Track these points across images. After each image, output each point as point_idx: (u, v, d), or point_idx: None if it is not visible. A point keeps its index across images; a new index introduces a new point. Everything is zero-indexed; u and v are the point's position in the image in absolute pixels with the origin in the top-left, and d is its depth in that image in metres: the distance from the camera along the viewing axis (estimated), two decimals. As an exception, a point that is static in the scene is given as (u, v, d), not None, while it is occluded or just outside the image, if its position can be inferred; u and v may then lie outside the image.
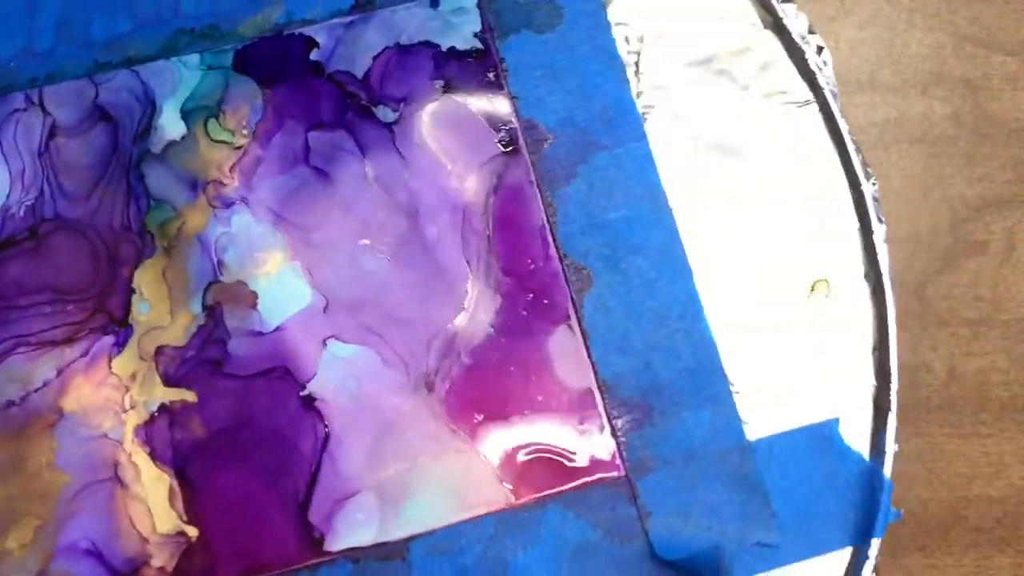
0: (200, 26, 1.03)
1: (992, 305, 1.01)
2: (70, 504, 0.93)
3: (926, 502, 0.99)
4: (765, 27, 1.03)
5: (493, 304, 0.99)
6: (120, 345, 0.98)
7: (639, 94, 1.03)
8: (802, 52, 1.02)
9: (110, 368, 0.97)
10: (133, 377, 0.97)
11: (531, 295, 0.99)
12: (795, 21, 1.02)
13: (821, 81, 1.01)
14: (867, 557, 0.91)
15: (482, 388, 0.98)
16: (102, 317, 0.98)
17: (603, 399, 0.97)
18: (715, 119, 1.03)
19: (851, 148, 0.99)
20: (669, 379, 0.96)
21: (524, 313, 0.99)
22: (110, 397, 0.96)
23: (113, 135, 1.01)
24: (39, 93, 1.02)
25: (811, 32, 1.01)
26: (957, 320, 1.00)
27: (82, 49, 1.03)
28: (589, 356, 0.98)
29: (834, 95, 1.00)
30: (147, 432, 0.95)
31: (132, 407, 0.96)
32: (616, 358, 0.98)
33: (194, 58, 1.03)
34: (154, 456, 0.95)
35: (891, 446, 0.93)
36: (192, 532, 0.93)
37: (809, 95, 1.02)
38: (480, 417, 0.97)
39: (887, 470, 0.92)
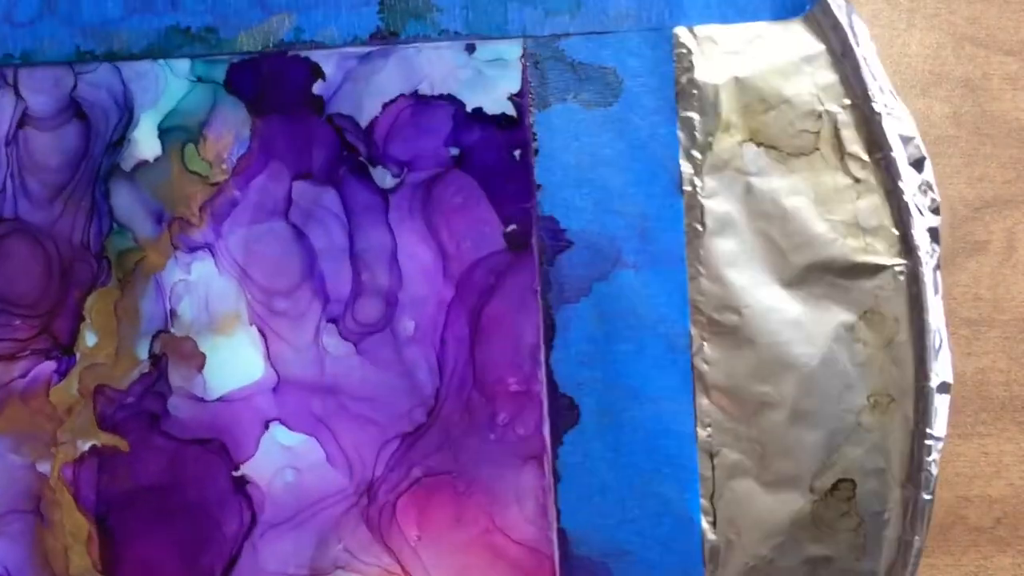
0: (197, 27, 0.85)
1: (992, 305, 0.92)
2: (-11, 529, 0.86)
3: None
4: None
5: (461, 421, 0.84)
6: (61, 374, 0.86)
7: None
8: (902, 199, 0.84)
9: (48, 396, 0.86)
10: (69, 411, 0.86)
11: (506, 419, 0.84)
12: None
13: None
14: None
15: (428, 510, 0.84)
16: (47, 339, 0.86)
17: (560, 551, 0.83)
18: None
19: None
20: (639, 546, 0.82)
21: (492, 438, 0.84)
22: (43, 427, 0.86)
23: (85, 138, 0.86)
24: (15, 72, 0.86)
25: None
26: (957, 320, 0.91)
27: (65, 28, 0.86)
28: (555, 501, 0.83)
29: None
30: (75, 472, 0.85)
31: (63, 442, 0.85)
32: (585, 510, 0.82)
33: (184, 65, 0.86)
34: (77, 498, 0.85)
35: None
36: None
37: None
38: (419, 539, 0.85)
39: None
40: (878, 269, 0.83)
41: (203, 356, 0.85)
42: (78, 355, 0.85)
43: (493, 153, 0.83)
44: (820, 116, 0.82)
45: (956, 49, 0.91)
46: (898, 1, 0.90)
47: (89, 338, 0.85)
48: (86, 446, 0.85)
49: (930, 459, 0.82)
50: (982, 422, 0.91)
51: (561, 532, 0.82)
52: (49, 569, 0.85)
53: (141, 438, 0.85)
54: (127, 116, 0.86)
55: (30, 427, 0.85)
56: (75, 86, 0.86)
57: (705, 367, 0.82)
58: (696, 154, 0.82)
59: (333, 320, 0.85)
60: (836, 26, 0.81)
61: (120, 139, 0.86)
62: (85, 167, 0.86)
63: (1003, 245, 0.91)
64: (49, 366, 0.85)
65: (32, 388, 0.86)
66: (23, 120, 0.86)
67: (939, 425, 0.82)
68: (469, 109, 0.83)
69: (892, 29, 0.91)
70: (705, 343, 0.82)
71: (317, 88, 0.85)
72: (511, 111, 0.83)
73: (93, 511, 0.85)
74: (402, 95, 0.84)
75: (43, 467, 0.85)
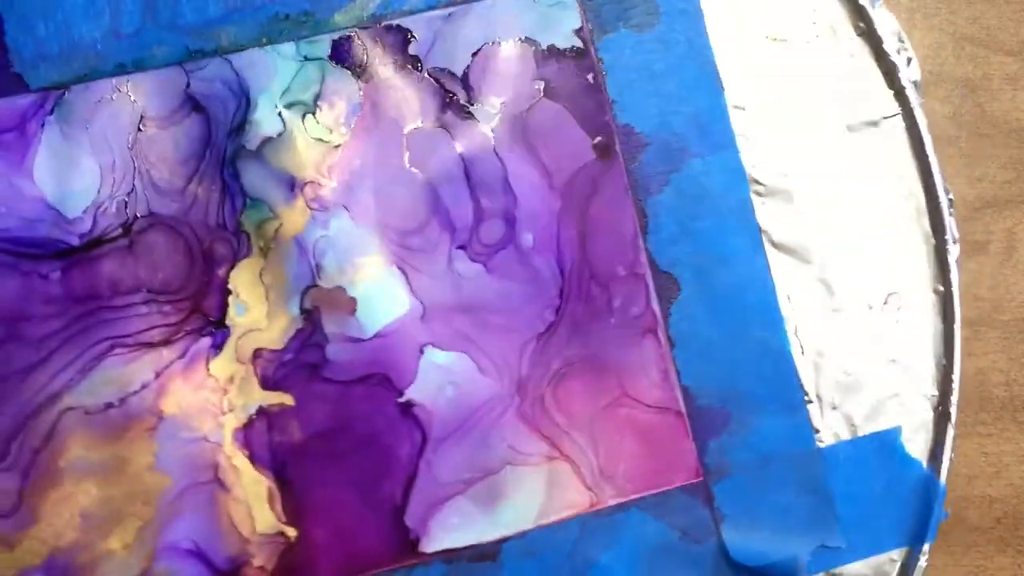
0: (295, 12, 0.55)
1: (992, 305, 0.61)
2: (172, 505, 0.53)
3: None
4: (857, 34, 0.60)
5: (584, 313, 0.56)
6: (218, 347, 0.54)
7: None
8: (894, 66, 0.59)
9: (208, 370, 0.54)
10: (231, 380, 0.54)
11: (620, 302, 0.56)
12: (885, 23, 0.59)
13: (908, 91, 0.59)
14: (918, 557, 0.58)
15: (571, 396, 0.56)
16: (198, 318, 0.54)
17: (686, 406, 0.56)
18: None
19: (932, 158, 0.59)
20: (748, 387, 0.56)
21: (613, 321, 0.57)
22: (209, 400, 0.53)
23: (206, 128, 0.54)
24: (127, 81, 0.54)
25: (901, 40, 0.59)
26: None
27: (171, 33, 0.54)
28: (674, 364, 0.56)
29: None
30: (246, 435, 0.54)
31: (231, 410, 0.53)
32: (699, 366, 0.56)
33: (289, 47, 0.55)
34: (253, 459, 0.54)
35: (948, 454, 0.58)
36: (291, 533, 0.53)
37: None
38: (568, 423, 0.56)
39: (942, 477, 0.57)
40: (882, 120, 0.60)
41: (354, 300, 0.55)
42: (231, 326, 0.54)
43: (571, 80, 0.57)
44: (816, 8, 0.60)
45: (956, 49, 0.62)
46: (898, 1, 0.61)
47: (239, 309, 0.54)
48: (253, 409, 0.54)
49: (951, 260, 0.60)
50: (982, 422, 0.62)
51: (684, 389, 0.56)
52: (236, 532, 0.53)
53: (306, 389, 0.54)
54: (245, 101, 0.54)
55: (197, 403, 0.53)
56: (188, 83, 0.54)
57: (769, 225, 0.58)
58: (727, 55, 0.59)
59: (462, 246, 0.56)
60: None
61: (241, 123, 0.54)
62: (210, 154, 0.54)
63: (1003, 245, 0.62)
64: (205, 342, 0.53)
65: (192, 366, 0.54)
66: (142, 123, 0.54)
67: (952, 231, 0.60)
68: (544, 47, 0.57)
69: (892, 29, 0.59)
70: (765, 205, 0.58)
71: (412, 49, 0.56)
72: (578, 43, 0.57)
73: (270, 468, 0.54)
74: (486, 43, 0.56)
75: (215, 437, 0.54)
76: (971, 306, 0.60)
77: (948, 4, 0.62)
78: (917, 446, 0.57)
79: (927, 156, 0.57)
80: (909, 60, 0.57)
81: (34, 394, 0.51)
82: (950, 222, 0.57)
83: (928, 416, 0.57)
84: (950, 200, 0.57)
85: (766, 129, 0.57)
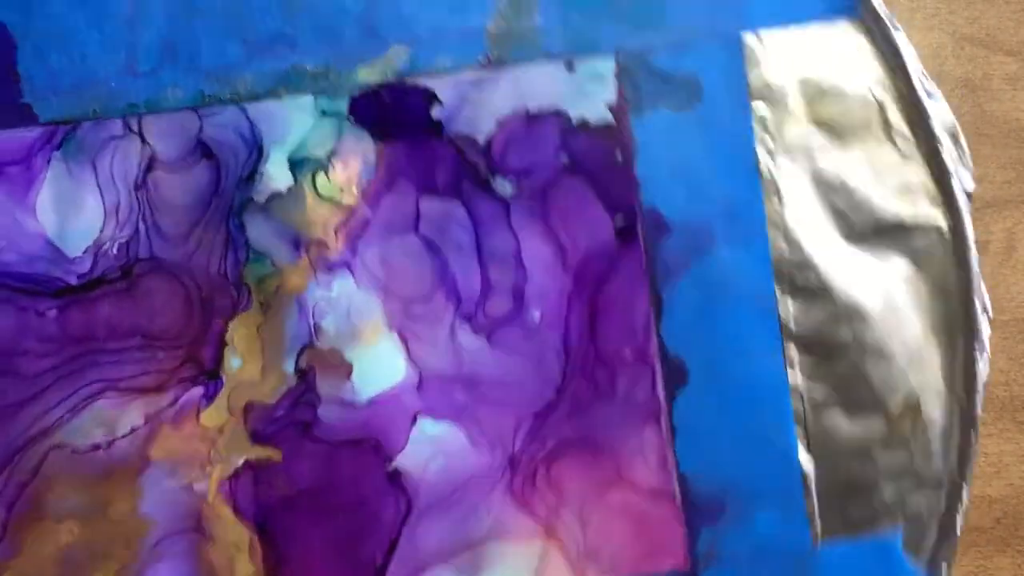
0: (315, 64, 0.53)
1: (992, 305, 0.59)
2: (153, 551, 0.53)
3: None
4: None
5: (586, 393, 0.55)
6: (209, 397, 0.53)
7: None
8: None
9: (198, 419, 0.53)
10: (221, 431, 0.53)
11: (625, 387, 0.55)
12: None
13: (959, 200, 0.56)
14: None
15: (564, 475, 0.55)
16: (193, 367, 0.53)
17: (682, 492, 0.55)
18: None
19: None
20: (748, 479, 0.55)
21: (616, 405, 0.55)
22: (197, 449, 0.53)
23: (215, 175, 0.53)
24: (138, 121, 0.53)
25: (959, 145, 0.56)
26: None
27: (187, 75, 0.53)
28: (673, 451, 0.55)
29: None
30: (231, 486, 0.53)
31: (218, 461, 0.53)
32: (700, 455, 0.55)
33: (307, 100, 0.53)
34: (237, 510, 0.53)
35: (946, 571, 0.56)
36: None
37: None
38: (558, 501, 0.55)
39: None
40: (926, 225, 0.57)
41: (350, 365, 0.53)
42: (224, 378, 0.53)
43: (598, 158, 0.54)
44: (870, 102, 0.56)
45: (956, 49, 0.60)
46: (898, 1, 0.59)
47: (234, 361, 0.53)
48: (240, 461, 0.53)
49: (979, 370, 0.57)
50: (982, 422, 0.59)
51: (681, 476, 0.55)
52: None
53: (294, 446, 0.53)
54: (256, 152, 0.53)
55: (184, 451, 0.53)
56: (201, 128, 0.53)
57: (790, 321, 0.56)
58: (769, 142, 0.55)
59: (467, 318, 0.54)
60: (880, 24, 0.57)
61: (251, 173, 0.53)
62: (217, 203, 0.53)
63: (1003, 245, 0.61)
64: (197, 391, 0.53)
65: (183, 414, 0.53)
66: (151, 165, 0.53)
67: (985, 342, 0.57)
68: (574, 121, 0.54)
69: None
70: (789, 299, 0.56)
71: (435, 113, 0.54)
72: (611, 119, 0.55)
73: (253, 520, 0.53)
74: (513, 112, 0.54)
75: (200, 487, 0.53)
76: None
77: (948, 4, 0.60)
78: (916, 552, 0.56)
79: (970, 268, 0.55)
80: (968, 168, 0.55)
81: (25, 428, 0.51)
82: (984, 339, 0.55)
83: (932, 527, 0.56)
84: (989, 318, 0.55)
85: (799, 220, 0.55)
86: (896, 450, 0.56)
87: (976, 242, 0.57)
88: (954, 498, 0.56)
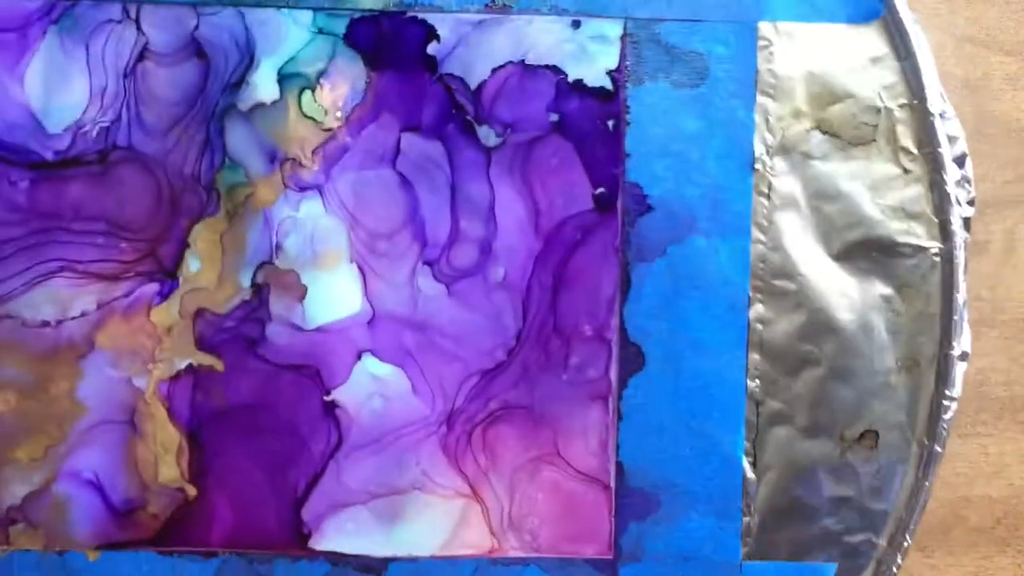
0: None
1: (992, 305, 0.59)
2: (83, 435, 0.53)
3: (926, 502, 0.57)
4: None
5: (537, 361, 0.54)
6: (163, 296, 0.53)
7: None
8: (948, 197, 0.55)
9: (149, 316, 0.53)
10: (169, 331, 0.53)
11: (578, 361, 0.54)
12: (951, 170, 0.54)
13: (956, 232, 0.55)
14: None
15: (501, 440, 0.54)
16: (152, 263, 0.53)
17: (617, 482, 0.54)
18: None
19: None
20: (686, 481, 0.54)
21: (565, 378, 0.54)
22: (142, 344, 0.53)
23: (203, 76, 0.53)
24: (137, 8, 0.52)
25: (963, 170, 0.55)
26: None
27: None
28: (616, 437, 0.54)
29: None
30: (170, 388, 0.53)
31: (161, 360, 0.53)
32: (642, 446, 0.54)
33: (306, 15, 0.53)
34: (171, 412, 0.53)
35: None
36: (191, 491, 0.54)
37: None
38: (490, 465, 0.54)
39: None
40: (917, 250, 0.55)
41: (304, 288, 0.53)
42: (181, 279, 0.53)
43: (589, 122, 0.53)
44: (880, 112, 0.54)
45: (956, 49, 0.58)
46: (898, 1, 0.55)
47: (193, 264, 0.53)
48: (183, 364, 0.53)
49: (946, 417, 0.54)
50: (982, 422, 0.59)
51: (619, 465, 0.53)
52: (138, 477, 0.53)
53: (237, 360, 0.53)
54: (248, 59, 0.53)
55: (130, 344, 0.53)
56: (197, 26, 0.52)
57: (759, 325, 0.54)
58: (768, 136, 0.54)
59: (429, 263, 0.53)
60: (903, 33, 0.54)
61: (239, 81, 0.53)
62: (201, 104, 0.52)
63: (1003, 245, 0.59)
64: (152, 288, 0.53)
65: (134, 307, 0.53)
66: (143, 54, 0.52)
67: (956, 389, 0.54)
68: (571, 79, 0.53)
69: (892, 29, 0.56)
70: (761, 304, 0.54)
71: (431, 48, 0.53)
72: (608, 85, 0.53)
73: (185, 425, 0.53)
74: (510, 62, 0.53)
75: (139, 382, 0.53)
76: (971, 306, 0.57)
77: (948, 4, 0.58)
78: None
79: (954, 302, 0.54)
80: (968, 195, 0.53)
81: (-23, 293, 0.49)
82: (957, 376, 0.54)
83: (868, 564, 0.54)
84: (964, 353, 0.54)
85: (787, 224, 0.53)
86: (844, 480, 0.54)
87: (976, 242, 0.56)
88: (897, 540, 0.54)
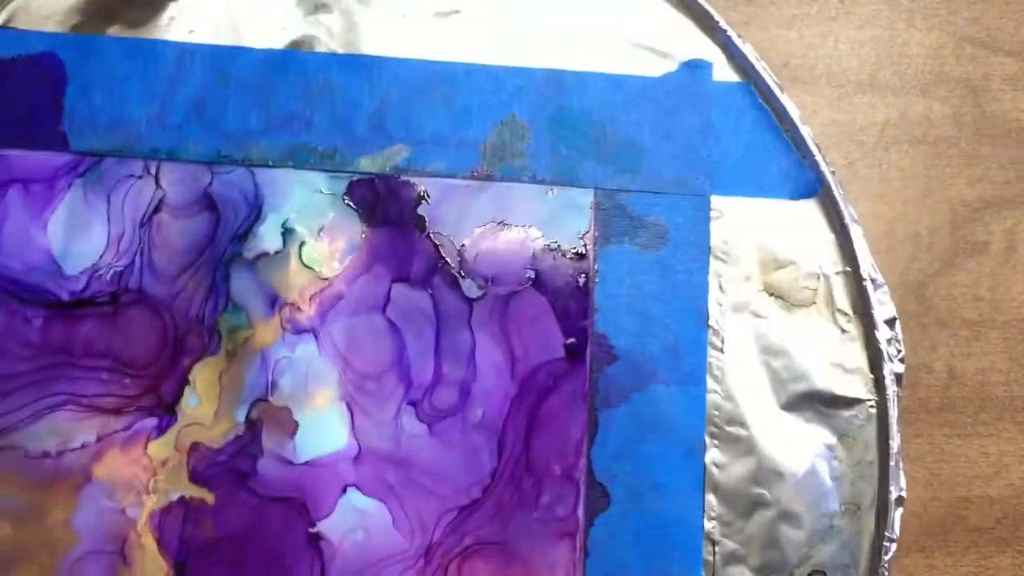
0: (325, 146, 0.59)
1: (992, 305, 0.62)
2: (74, 565, 0.55)
3: (926, 502, 0.61)
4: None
5: (511, 499, 0.58)
6: (161, 430, 0.56)
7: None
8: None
9: (146, 449, 0.56)
10: (164, 463, 0.56)
11: (548, 500, 0.58)
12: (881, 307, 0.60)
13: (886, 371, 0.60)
14: None
15: (475, 574, 0.57)
16: (152, 398, 0.57)
17: None
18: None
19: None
20: None
21: (535, 516, 0.58)
22: (138, 476, 0.56)
23: (214, 227, 0.58)
24: (157, 165, 0.58)
25: (894, 332, 0.60)
26: (957, 320, 0.63)
27: (209, 134, 0.58)
28: (583, 573, 0.57)
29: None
30: (161, 519, 0.56)
31: (154, 491, 0.56)
32: None
33: (310, 176, 0.59)
34: (161, 543, 0.55)
35: None
36: None
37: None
38: None
39: None
40: (855, 402, 0.60)
41: (296, 424, 0.57)
42: (179, 415, 0.56)
43: (562, 278, 0.59)
44: (819, 277, 0.60)
45: (956, 49, 0.63)
46: (898, 1, 0.63)
47: (192, 400, 0.56)
48: (175, 496, 0.56)
49: (887, 557, 0.58)
50: (982, 422, 0.62)
51: (585, 601, 0.52)
52: None
53: (228, 492, 0.56)
54: (255, 213, 0.58)
55: (126, 475, 0.56)
56: (211, 183, 0.58)
57: (715, 469, 0.58)
58: (721, 296, 0.60)
59: (413, 403, 0.58)
60: (837, 209, 0.61)
61: (246, 232, 0.58)
62: (210, 252, 0.58)
63: (1003, 245, 0.63)
64: (151, 422, 0.56)
65: (133, 440, 0.56)
66: (159, 206, 0.58)
67: (896, 530, 0.59)
68: (546, 241, 0.59)
69: (892, 29, 0.64)
70: (716, 449, 0.58)
71: (421, 209, 0.59)
72: (580, 247, 0.59)
73: (174, 556, 0.55)
74: (492, 222, 0.59)
75: (132, 512, 0.56)
76: (971, 306, 0.61)
77: (948, 4, 0.62)
78: None
79: (888, 452, 0.58)
80: (899, 353, 0.58)
81: (-16, 423, 0.51)
82: (895, 519, 0.58)
83: None
84: (900, 497, 0.58)
85: (738, 375, 0.58)
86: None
87: (976, 242, 0.61)
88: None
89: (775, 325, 0.59)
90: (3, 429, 0.55)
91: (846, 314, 0.60)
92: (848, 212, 0.59)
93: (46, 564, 0.54)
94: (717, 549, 0.57)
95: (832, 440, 0.59)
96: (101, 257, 0.56)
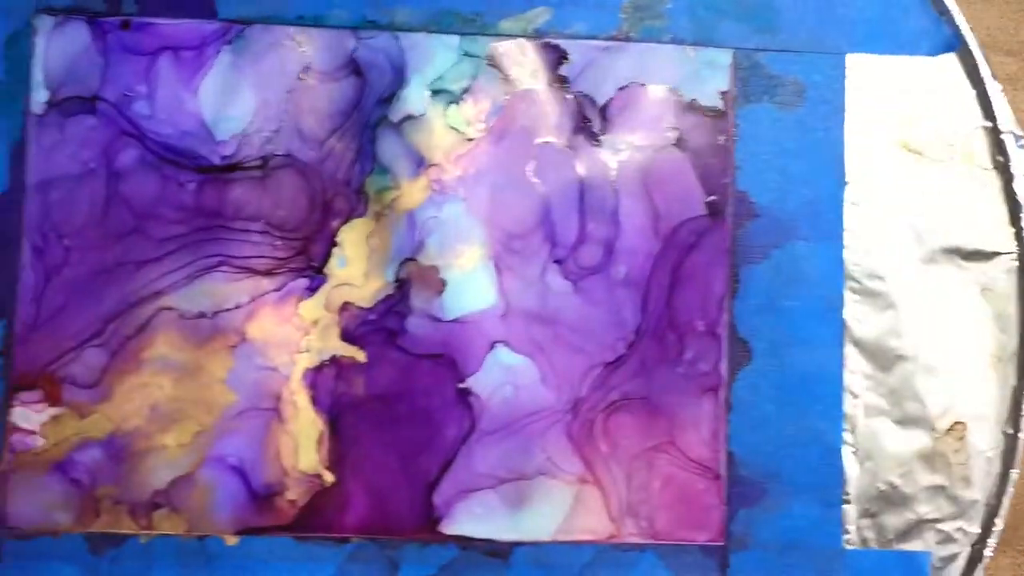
0: (467, 10, 0.59)
1: None
2: (230, 422, 0.56)
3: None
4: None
5: (654, 355, 0.58)
6: (312, 290, 0.57)
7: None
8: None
9: (297, 309, 0.57)
10: (315, 323, 0.57)
11: (691, 355, 0.58)
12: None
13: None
14: None
15: (620, 429, 0.58)
16: (302, 260, 0.57)
17: (727, 470, 0.58)
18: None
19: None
20: (791, 470, 0.57)
21: (679, 371, 0.58)
22: (290, 336, 0.57)
23: (359, 92, 0.58)
24: (303, 31, 0.58)
25: None
26: None
27: (354, 0, 0.59)
28: (726, 427, 0.58)
29: None
30: (314, 377, 0.57)
31: (307, 350, 0.57)
32: (750, 436, 0.57)
33: (453, 40, 0.58)
34: (314, 400, 0.57)
35: None
36: (328, 478, 0.57)
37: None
38: (610, 453, 0.58)
39: None
40: (995, 254, 0.60)
41: (443, 282, 0.57)
42: (329, 275, 0.57)
43: (702, 137, 0.59)
44: (958, 133, 0.60)
45: None
46: None
47: (340, 261, 0.57)
48: (327, 355, 0.57)
49: None
50: None
51: (729, 454, 0.57)
52: (279, 464, 0.56)
53: (378, 351, 0.57)
54: (400, 77, 0.58)
55: (278, 335, 0.57)
56: (355, 48, 0.58)
57: (855, 323, 0.59)
58: (859, 153, 0.60)
59: (558, 261, 0.58)
60: (975, 64, 0.61)
61: (391, 96, 0.58)
62: (356, 116, 0.58)
63: None
64: (302, 282, 0.57)
65: (284, 300, 0.57)
66: (305, 72, 0.58)
67: None
68: (686, 100, 0.59)
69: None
70: (856, 303, 0.59)
71: (563, 70, 0.59)
72: (720, 105, 0.59)
73: (326, 414, 0.57)
74: (633, 82, 0.59)
75: (286, 371, 0.57)
76: None
77: None
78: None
79: None
80: None
81: (141, 286, 0.56)
82: None
83: (963, 552, 0.57)
84: None
85: (876, 231, 0.58)
86: (937, 469, 0.58)
87: None
88: (987, 526, 0.57)
89: (914, 181, 0.59)
90: (160, 291, 0.56)
91: (986, 168, 0.59)
92: (984, 66, 0.58)
93: (204, 420, 0.56)
94: (858, 402, 0.58)
95: (972, 293, 0.58)
96: (250, 122, 0.57)
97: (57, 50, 0.56)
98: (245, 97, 0.57)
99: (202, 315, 0.56)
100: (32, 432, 0.55)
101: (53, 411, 0.55)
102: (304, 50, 0.57)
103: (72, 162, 0.56)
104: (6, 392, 0.54)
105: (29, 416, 0.55)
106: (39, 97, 0.56)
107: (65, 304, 0.55)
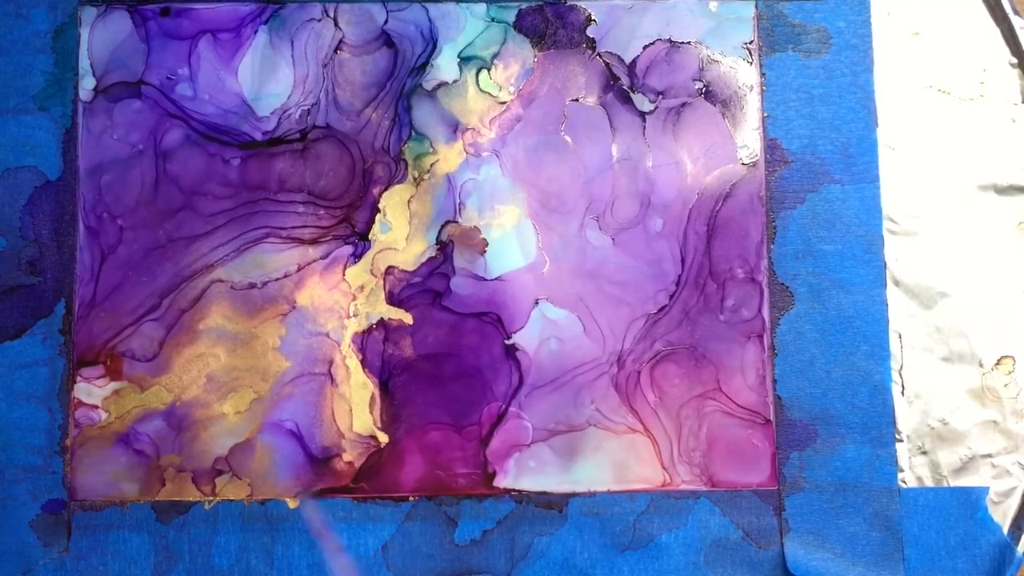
0: None
1: None
2: (285, 388, 0.57)
3: None
4: None
5: (696, 304, 0.57)
6: (357, 257, 0.57)
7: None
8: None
9: (344, 275, 0.57)
10: (362, 288, 0.57)
11: (733, 303, 0.57)
12: None
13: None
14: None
15: (667, 378, 0.57)
16: (346, 227, 0.58)
17: (775, 414, 0.56)
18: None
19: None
20: (841, 411, 0.56)
21: (722, 318, 0.57)
22: (338, 302, 0.57)
23: (392, 63, 0.58)
24: (335, 8, 0.58)
25: None
26: None
27: None
28: (772, 372, 0.56)
29: None
30: (363, 341, 0.57)
31: (355, 315, 0.57)
32: (797, 380, 0.56)
33: (481, 8, 0.59)
34: (365, 363, 0.57)
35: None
36: (383, 438, 0.57)
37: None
38: (658, 402, 0.57)
39: (1021, 546, 0.55)
40: (1030, 189, 0.54)
41: (485, 242, 0.57)
42: (372, 241, 0.57)
43: (730, 88, 0.58)
44: (985, 70, 0.59)
45: None
46: None
47: (383, 227, 0.57)
48: (375, 319, 0.57)
49: None
50: None
51: (777, 398, 0.56)
52: (335, 426, 0.56)
53: (425, 312, 0.57)
54: (432, 46, 0.58)
55: (327, 302, 0.57)
56: (386, 20, 0.59)
57: (894, 262, 0.57)
58: (888, 96, 0.59)
59: (596, 216, 0.58)
60: (1000, 1, 0.59)
61: (424, 64, 0.58)
62: (391, 86, 0.58)
63: None
64: (347, 249, 0.57)
65: (331, 268, 0.57)
66: (339, 46, 0.58)
67: None
68: (711, 53, 0.58)
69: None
70: (896, 243, 0.57)
71: (590, 31, 0.59)
72: (746, 56, 0.58)
73: (378, 375, 0.57)
74: (659, 39, 0.59)
75: (336, 336, 0.57)
76: None
77: None
78: (1000, 511, 0.56)
79: None
80: None
81: (194, 260, 0.56)
82: None
83: (1019, 485, 0.56)
84: None
85: (911, 172, 0.57)
86: (987, 404, 0.56)
87: None
88: (1043, 462, 0.54)
89: (945, 120, 0.58)
90: (211, 264, 0.57)
91: (1016, 103, 0.58)
92: (1010, 3, 0.56)
93: (259, 388, 0.56)
94: (904, 341, 0.57)
95: (1010, 227, 0.57)
96: (289, 97, 0.58)
97: (101, 39, 0.57)
98: (283, 74, 0.58)
99: (252, 285, 0.57)
100: (95, 407, 0.56)
101: (115, 385, 0.56)
102: (338, 25, 0.58)
103: (121, 145, 0.57)
104: (70, 368, 0.55)
105: (92, 391, 0.56)
106: (86, 85, 0.57)
107: (121, 282, 0.56)
